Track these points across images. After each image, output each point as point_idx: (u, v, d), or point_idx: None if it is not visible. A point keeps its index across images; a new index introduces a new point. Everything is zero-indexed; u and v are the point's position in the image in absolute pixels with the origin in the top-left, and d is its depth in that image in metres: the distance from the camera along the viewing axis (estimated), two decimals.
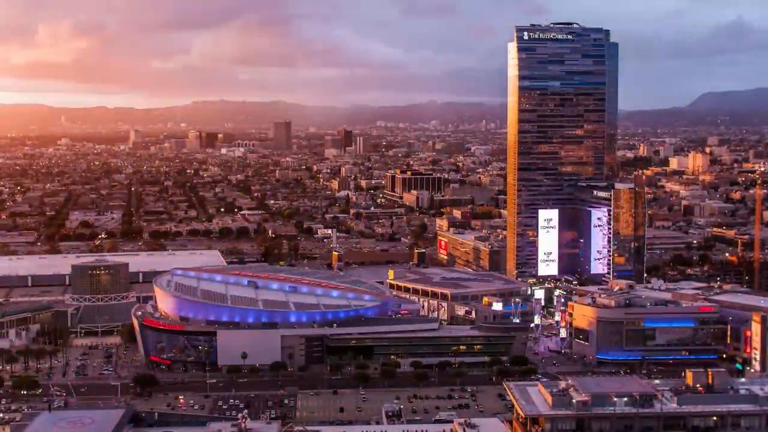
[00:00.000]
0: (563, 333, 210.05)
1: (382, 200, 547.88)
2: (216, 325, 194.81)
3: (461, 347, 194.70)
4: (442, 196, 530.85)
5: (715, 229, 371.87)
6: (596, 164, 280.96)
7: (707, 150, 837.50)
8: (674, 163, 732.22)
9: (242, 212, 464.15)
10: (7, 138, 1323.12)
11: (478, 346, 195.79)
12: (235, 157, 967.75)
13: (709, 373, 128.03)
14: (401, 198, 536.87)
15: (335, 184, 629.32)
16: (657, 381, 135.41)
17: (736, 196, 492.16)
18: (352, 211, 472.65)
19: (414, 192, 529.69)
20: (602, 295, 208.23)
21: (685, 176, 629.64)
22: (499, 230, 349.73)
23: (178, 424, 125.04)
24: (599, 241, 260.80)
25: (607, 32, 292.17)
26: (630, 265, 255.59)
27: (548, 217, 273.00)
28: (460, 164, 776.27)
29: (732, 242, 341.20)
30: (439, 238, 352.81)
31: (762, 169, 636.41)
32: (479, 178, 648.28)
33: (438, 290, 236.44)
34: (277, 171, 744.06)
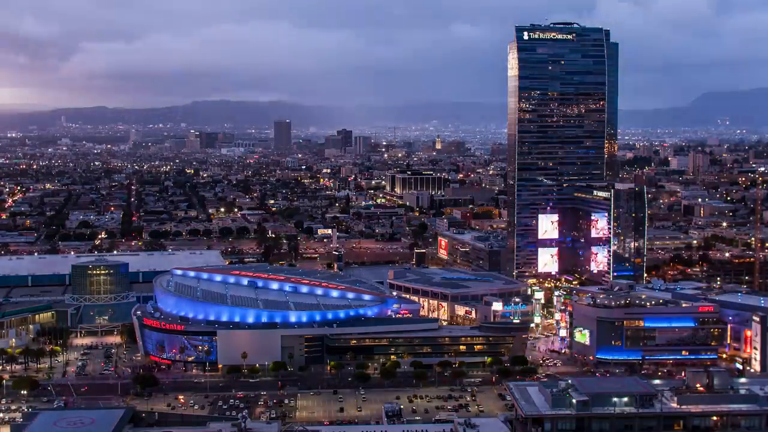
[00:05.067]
0: (563, 333, 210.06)
1: (382, 200, 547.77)
2: (216, 325, 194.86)
3: (461, 347, 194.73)
4: (442, 196, 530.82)
5: (715, 229, 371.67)
6: (596, 164, 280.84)
7: (707, 150, 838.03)
8: (674, 163, 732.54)
9: (242, 212, 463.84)
10: (7, 138, 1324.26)
11: (478, 346, 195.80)
12: (235, 157, 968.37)
13: (709, 373, 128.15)
14: (401, 198, 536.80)
15: (335, 184, 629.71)
16: (657, 381, 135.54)
17: (736, 196, 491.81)
18: (352, 211, 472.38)
19: (414, 192, 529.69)
20: (602, 295, 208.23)
21: (685, 176, 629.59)
22: (499, 230, 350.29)
23: (178, 424, 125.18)
24: (599, 241, 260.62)
25: (608, 32, 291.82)
26: (630, 265, 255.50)
27: (548, 217, 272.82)
28: (460, 164, 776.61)
29: (732, 242, 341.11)
30: (439, 238, 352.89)
31: (762, 169, 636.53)
32: (479, 178, 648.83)
33: (438, 290, 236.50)
34: (277, 171, 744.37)
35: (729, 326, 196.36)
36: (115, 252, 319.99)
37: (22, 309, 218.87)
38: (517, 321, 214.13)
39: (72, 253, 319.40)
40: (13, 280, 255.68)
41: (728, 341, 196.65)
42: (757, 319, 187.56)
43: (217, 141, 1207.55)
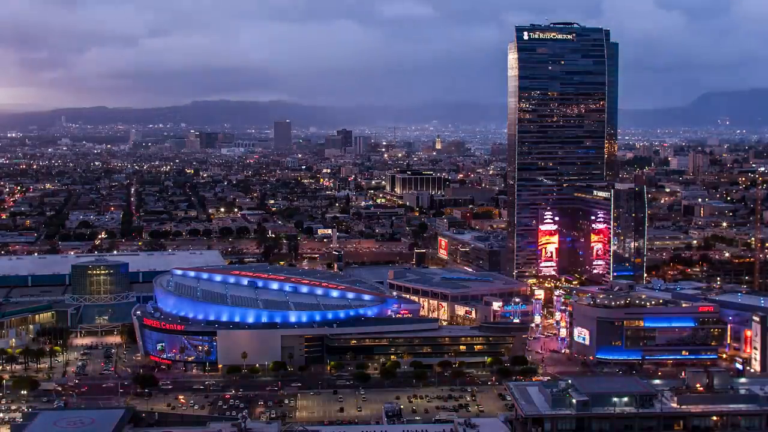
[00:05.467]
0: (563, 333, 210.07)
1: (382, 200, 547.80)
2: (216, 325, 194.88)
3: (461, 347, 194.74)
4: (442, 196, 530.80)
5: (715, 229, 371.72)
6: (596, 164, 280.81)
7: (707, 150, 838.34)
8: (674, 163, 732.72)
9: (242, 212, 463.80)
10: (7, 138, 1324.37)
11: (478, 346, 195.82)
12: (235, 157, 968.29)
13: (709, 373, 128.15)
14: (401, 198, 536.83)
15: (335, 184, 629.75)
16: (657, 381, 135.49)
17: (736, 196, 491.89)
18: (352, 211, 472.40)
19: (414, 192, 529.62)
20: (602, 295, 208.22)
21: (685, 176, 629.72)
22: (499, 230, 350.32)
23: (178, 424, 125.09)
24: (599, 240, 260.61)
25: (607, 32, 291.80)
26: (630, 265, 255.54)
27: (548, 217, 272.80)
28: (460, 164, 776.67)
29: (732, 242, 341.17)
30: (439, 238, 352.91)
31: (762, 169, 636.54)
32: (479, 178, 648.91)
33: (438, 290, 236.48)
34: (277, 171, 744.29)
35: (729, 326, 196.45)
36: (115, 252, 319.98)
37: (22, 309, 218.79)
38: (517, 321, 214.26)
39: (72, 253, 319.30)
40: (13, 280, 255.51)
41: (728, 341, 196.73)
42: (757, 319, 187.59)
43: (217, 141, 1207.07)
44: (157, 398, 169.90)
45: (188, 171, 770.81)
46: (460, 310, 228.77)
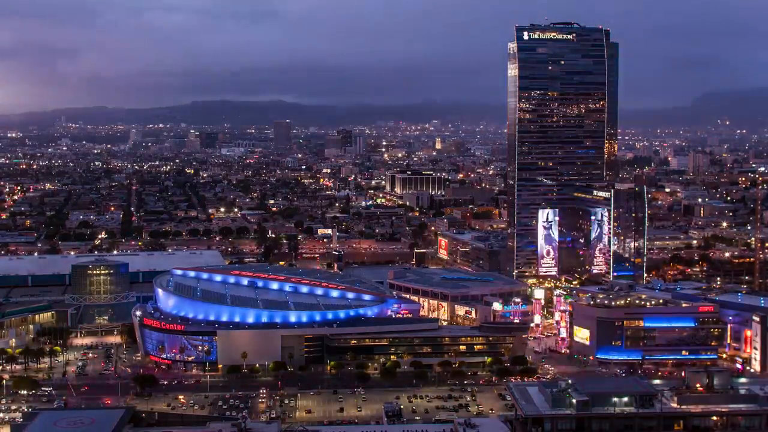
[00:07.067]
0: (563, 333, 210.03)
1: (382, 200, 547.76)
2: (216, 325, 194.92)
3: (461, 347, 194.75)
4: (442, 196, 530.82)
5: (715, 229, 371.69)
6: (596, 164, 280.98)
7: (707, 150, 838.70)
8: (674, 163, 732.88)
9: (242, 212, 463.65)
10: (7, 138, 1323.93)
11: (478, 346, 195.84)
12: (235, 157, 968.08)
13: (709, 373, 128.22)
14: (401, 198, 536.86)
15: (335, 184, 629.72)
16: (657, 381, 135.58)
17: (736, 196, 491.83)
18: (352, 211, 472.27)
19: (414, 192, 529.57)
20: (602, 295, 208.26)
21: (685, 176, 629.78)
22: (499, 230, 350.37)
23: (178, 424, 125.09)
24: (599, 241, 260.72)
25: (608, 32, 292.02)
26: (630, 265, 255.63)
27: (548, 217, 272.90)
28: (460, 164, 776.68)
29: (732, 242, 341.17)
30: (439, 238, 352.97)
31: (762, 169, 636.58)
32: (479, 178, 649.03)
33: (438, 290, 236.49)
34: (277, 171, 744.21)
35: (729, 326, 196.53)
36: (115, 252, 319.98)
37: (22, 309, 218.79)
38: (517, 321, 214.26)
39: (72, 253, 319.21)
40: (13, 280, 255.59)
41: (728, 341, 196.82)
42: (757, 319, 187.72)
43: (217, 141, 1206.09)
44: (157, 398, 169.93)
45: (188, 171, 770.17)
46: (460, 310, 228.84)
